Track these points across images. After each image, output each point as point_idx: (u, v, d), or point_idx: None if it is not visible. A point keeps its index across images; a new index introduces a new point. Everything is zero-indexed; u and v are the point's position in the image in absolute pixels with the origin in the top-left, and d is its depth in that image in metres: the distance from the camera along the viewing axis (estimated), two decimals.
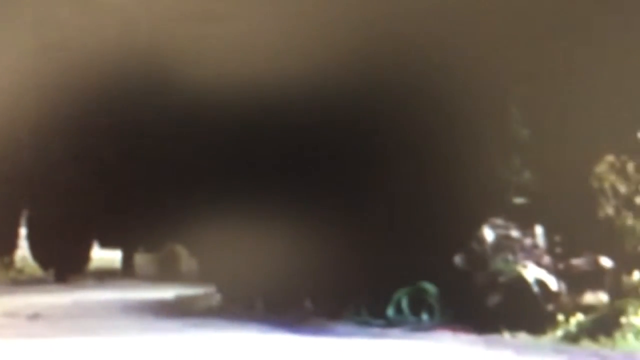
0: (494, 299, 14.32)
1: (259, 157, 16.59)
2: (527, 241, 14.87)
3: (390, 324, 14.69)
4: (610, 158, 15.22)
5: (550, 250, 14.84)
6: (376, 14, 15.31)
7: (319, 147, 16.12)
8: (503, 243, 14.82)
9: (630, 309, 13.63)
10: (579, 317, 14.01)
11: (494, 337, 13.83)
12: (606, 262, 14.72)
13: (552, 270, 14.57)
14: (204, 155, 17.16)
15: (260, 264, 15.98)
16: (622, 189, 15.24)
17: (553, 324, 13.93)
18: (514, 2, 14.99)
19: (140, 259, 27.60)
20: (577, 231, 14.77)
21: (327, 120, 15.71)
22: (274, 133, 16.19)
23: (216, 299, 17.65)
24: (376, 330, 14.54)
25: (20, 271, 26.63)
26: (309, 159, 16.19)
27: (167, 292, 20.54)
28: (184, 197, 17.55)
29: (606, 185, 15.22)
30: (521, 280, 14.39)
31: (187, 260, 23.95)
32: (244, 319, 15.64)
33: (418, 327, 14.52)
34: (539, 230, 14.98)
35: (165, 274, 25.59)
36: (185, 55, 15.94)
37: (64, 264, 25.73)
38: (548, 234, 14.94)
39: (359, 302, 14.93)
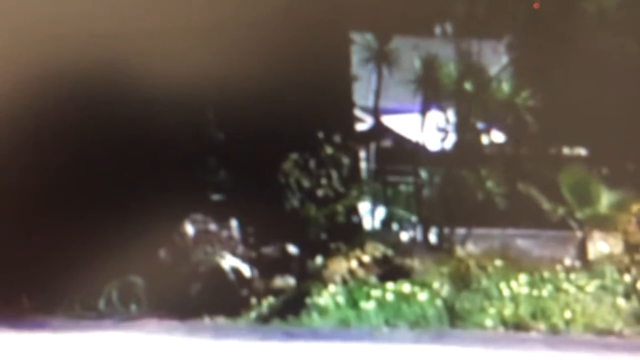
0: (195, 288, 15.65)
1: None
2: (224, 233, 16.25)
3: (101, 316, 15.63)
4: (294, 156, 16.88)
5: (244, 240, 16.29)
6: None
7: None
8: (202, 236, 16.16)
9: (315, 290, 15.35)
10: (270, 299, 15.55)
11: (195, 323, 15.08)
12: (293, 249, 16.43)
13: (246, 258, 16.04)
14: None
15: None
16: (306, 183, 16.95)
17: (247, 307, 15.40)
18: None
19: None
20: (267, 223, 16.28)
21: None
22: None
23: None
24: (89, 322, 15.36)
25: None
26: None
27: None
28: None
29: (291, 180, 16.88)
30: (219, 269, 15.80)
31: None
32: None
33: (127, 317, 15.53)
34: (234, 223, 16.38)
35: None
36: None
37: None
38: (242, 227, 16.36)
39: (72, 297, 15.72)
